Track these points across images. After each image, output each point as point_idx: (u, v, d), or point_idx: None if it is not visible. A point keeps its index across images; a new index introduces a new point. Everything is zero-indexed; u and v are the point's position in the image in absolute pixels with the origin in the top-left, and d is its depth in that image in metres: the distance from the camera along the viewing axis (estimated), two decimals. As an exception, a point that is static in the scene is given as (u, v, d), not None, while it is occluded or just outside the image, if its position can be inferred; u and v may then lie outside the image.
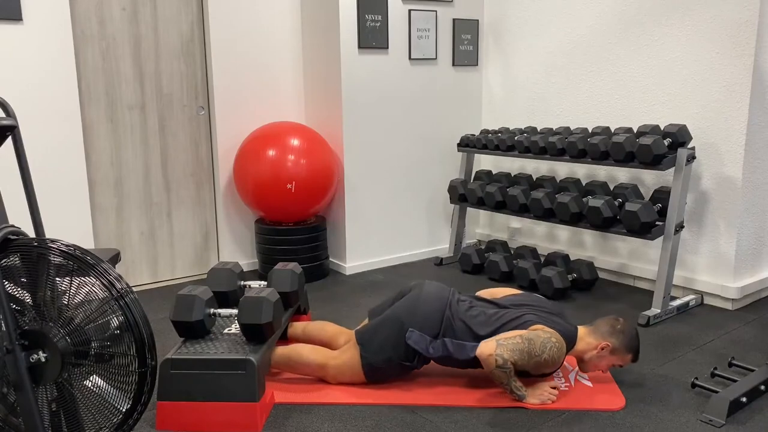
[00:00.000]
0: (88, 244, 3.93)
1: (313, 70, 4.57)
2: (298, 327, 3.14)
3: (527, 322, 2.72)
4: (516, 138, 4.25)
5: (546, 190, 3.99)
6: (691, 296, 3.80)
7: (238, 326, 2.82)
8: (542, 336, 2.62)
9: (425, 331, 2.73)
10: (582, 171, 4.40)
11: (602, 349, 2.75)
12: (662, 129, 3.64)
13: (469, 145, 4.66)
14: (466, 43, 4.81)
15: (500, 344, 2.58)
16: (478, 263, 4.45)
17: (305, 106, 4.70)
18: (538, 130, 4.34)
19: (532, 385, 2.72)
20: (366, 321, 2.98)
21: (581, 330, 2.81)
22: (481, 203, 4.41)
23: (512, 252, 4.51)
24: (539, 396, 2.67)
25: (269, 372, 2.85)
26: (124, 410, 2.01)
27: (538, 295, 3.07)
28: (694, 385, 2.73)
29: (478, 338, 2.71)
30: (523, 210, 4.14)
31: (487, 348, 2.58)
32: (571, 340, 2.74)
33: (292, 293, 3.09)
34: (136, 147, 4.17)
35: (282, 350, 2.85)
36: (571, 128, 4.34)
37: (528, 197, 4.07)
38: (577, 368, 2.96)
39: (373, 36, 4.34)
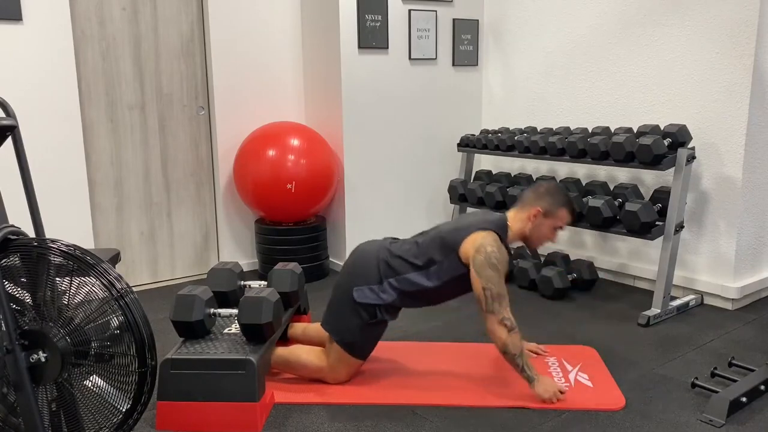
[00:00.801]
0: (88, 244, 3.93)
1: (313, 70, 4.57)
2: (298, 328, 3.15)
3: (456, 238, 2.67)
4: (516, 138, 4.25)
5: (546, 190, 3.99)
6: (691, 296, 3.79)
7: (238, 326, 2.81)
8: (482, 258, 2.57)
9: (366, 282, 2.73)
10: (582, 171, 4.40)
11: (534, 216, 2.73)
12: (662, 129, 3.64)
13: (469, 145, 4.66)
14: (466, 43, 4.81)
15: (488, 311, 2.57)
16: (478, 263, 4.44)
17: (305, 106, 4.70)
18: (538, 130, 4.34)
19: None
20: None
21: (510, 213, 2.80)
22: (481, 203, 4.41)
23: (512, 252, 4.50)
24: (546, 392, 2.63)
25: (269, 372, 2.85)
26: (124, 410, 2.01)
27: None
28: (694, 385, 2.73)
29: (416, 267, 2.71)
30: (523, 210, 4.13)
31: (490, 323, 2.58)
32: (500, 227, 2.71)
33: (292, 293, 3.09)
34: (136, 147, 4.17)
35: (280, 352, 2.85)
36: (571, 128, 4.34)
37: (528, 197, 4.06)
38: (577, 368, 2.96)
39: (373, 36, 4.34)
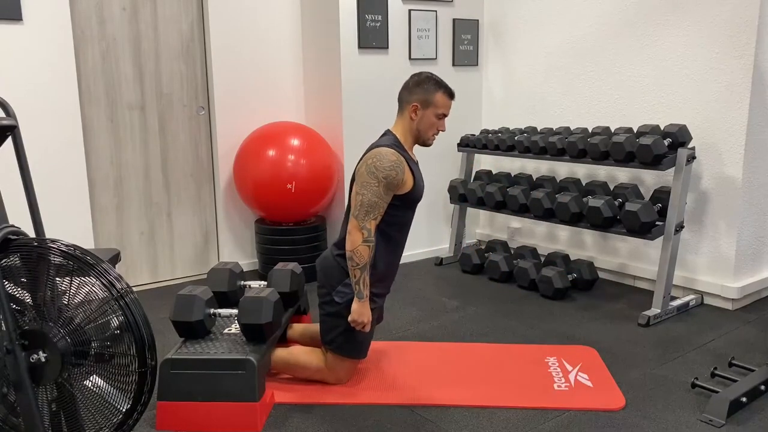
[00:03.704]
0: (88, 244, 3.93)
1: (313, 70, 4.57)
2: (297, 329, 3.14)
3: (353, 179, 2.67)
4: (516, 138, 4.25)
5: (546, 190, 3.99)
6: (691, 296, 3.79)
7: (238, 326, 2.81)
8: (363, 170, 2.59)
9: (338, 282, 2.72)
10: (582, 171, 4.40)
11: (414, 112, 2.70)
12: (662, 129, 3.64)
13: (469, 145, 4.66)
14: (466, 43, 4.81)
15: (357, 215, 2.58)
16: (478, 263, 4.45)
17: (305, 106, 4.70)
18: (538, 130, 4.34)
19: (534, 381, 2.72)
20: None
21: (393, 126, 2.77)
22: (481, 203, 4.41)
23: (512, 252, 4.51)
24: (360, 314, 2.61)
25: (269, 372, 2.85)
26: (124, 410, 2.01)
27: None
28: (694, 385, 2.73)
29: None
30: (523, 210, 4.13)
31: (352, 225, 2.58)
32: (387, 141, 2.69)
33: (292, 293, 3.09)
34: (136, 147, 4.17)
35: (280, 353, 2.85)
36: (571, 128, 4.34)
37: (528, 197, 4.07)
38: (577, 368, 2.96)
39: (373, 36, 4.34)
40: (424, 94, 2.69)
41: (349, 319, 2.64)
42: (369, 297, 2.68)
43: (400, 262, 4.73)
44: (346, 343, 2.77)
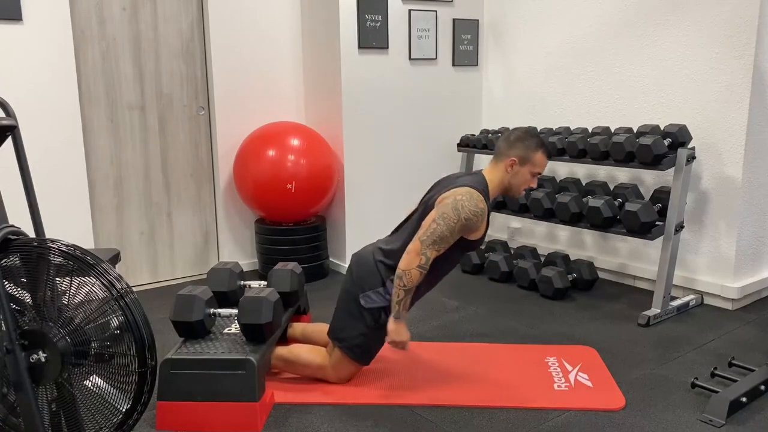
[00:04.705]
0: (88, 244, 3.93)
1: (313, 70, 4.57)
2: (297, 328, 3.14)
3: (432, 203, 2.67)
4: (516, 138, 4.25)
5: (546, 190, 3.99)
6: (691, 296, 3.79)
7: (238, 326, 2.81)
8: (449, 202, 2.57)
9: (371, 286, 2.72)
10: (582, 171, 4.40)
11: (511, 166, 2.71)
12: (662, 129, 3.64)
13: (469, 145, 4.66)
14: (466, 43, 4.81)
15: (423, 240, 2.56)
16: (478, 263, 4.45)
17: (305, 106, 4.70)
18: (538, 130, 4.34)
19: (534, 382, 2.72)
20: None
21: (486, 169, 2.77)
22: (481, 203, 4.41)
23: (512, 252, 4.51)
24: (397, 334, 2.62)
25: (269, 372, 2.85)
26: (124, 410, 2.01)
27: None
28: (694, 385, 2.73)
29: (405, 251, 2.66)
30: (523, 210, 4.14)
31: (414, 246, 2.57)
32: (480, 184, 2.68)
33: (292, 293, 3.09)
34: (136, 147, 4.17)
35: (281, 351, 2.85)
36: (571, 128, 4.34)
37: (528, 197, 4.07)
38: (577, 368, 2.96)
39: (373, 36, 4.34)
40: (523, 151, 2.70)
41: (388, 340, 2.65)
42: (385, 323, 2.71)
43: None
44: (357, 347, 2.77)
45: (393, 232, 2.89)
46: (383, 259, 2.75)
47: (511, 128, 2.79)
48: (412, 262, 2.57)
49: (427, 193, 2.81)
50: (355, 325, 2.74)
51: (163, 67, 4.19)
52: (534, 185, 2.78)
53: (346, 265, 4.49)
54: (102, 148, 4.05)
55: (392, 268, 2.69)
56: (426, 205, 2.73)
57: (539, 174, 2.77)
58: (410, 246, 2.60)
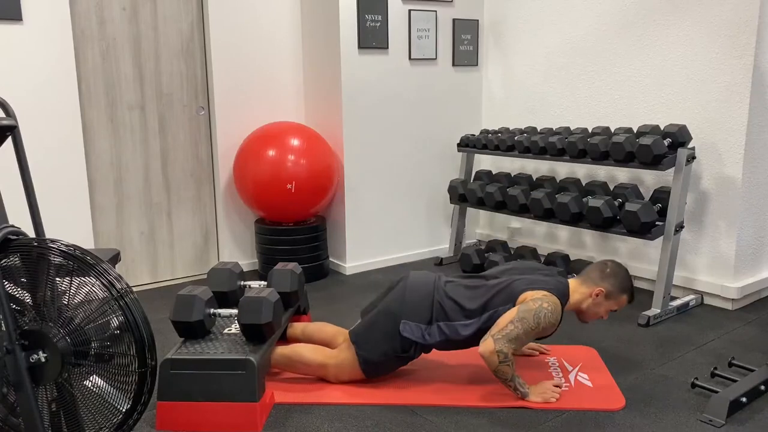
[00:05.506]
0: (88, 244, 3.93)
1: (313, 70, 4.57)
2: (297, 328, 3.14)
3: (515, 289, 2.69)
4: (516, 138, 4.25)
5: (546, 190, 3.99)
6: (691, 296, 3.79)
7: (238, 326, 2.81)
8: (533, 307, 2.58)
9: (417, 318, 2.72)
10: (582, 171, 4.40)
11: (596, 295, 2.74)
12: (662, 129, 3.64)
13: (469, 145, 4.66)
14: (466, 43, 4.81)
15: (497, 339, 2.56)
16: (478, 263, 4.45)
17: (305, 106, 4.70)
18: (538, 130, 4.34)
19: (535, 383, 2.73)
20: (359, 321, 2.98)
21: (572, 282, 2.80)
22: (481, 203, 4.41)
23: (512, 252, 4.51)
24: (542, 394, 2.66)
25: (269, 372, 2.85)
26: (124, 410, 2.01)
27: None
28: (694, 385, 2.73)
29: (468, 312, 2.70)
30: (523, 210, 4.13)
31: (487, 347, 2.56)
32: (563, 294, 2.71)
33: (292, 293, 3.09)
34: (136, 147, 4.17)
35: (282, 350, 2.85)
36: (571, 128, 4.34)
37: (528, 197, 4.07)
38: (577, 368, 2.96)
39: (373, 36, 4.34)
40: (613, 288, 2.76)
41: (541, 400, 2.64)
42: (412, 356, 2.75)
43: (401, 262, 4.77)
44: (373, 363, 2.76)
45: (466, 277, 2.86)
46: (443, 301, 2.74)
47: (609, 262, 2.86)
48: (492, 362, 2.57)
49: (504, 268, 2.88)
50: (384, 344, 2.73)
51: (163, 67, 4.19)
52: (605, 317, 2.84)
53: (347, 265, 4.51)
54: (102, 148, 4.05)
55: (446, 314, 2.71)
56: (514, 288, 2.69)
57: (615, 311, 2.85)
58: (482, 347, 2.58)
